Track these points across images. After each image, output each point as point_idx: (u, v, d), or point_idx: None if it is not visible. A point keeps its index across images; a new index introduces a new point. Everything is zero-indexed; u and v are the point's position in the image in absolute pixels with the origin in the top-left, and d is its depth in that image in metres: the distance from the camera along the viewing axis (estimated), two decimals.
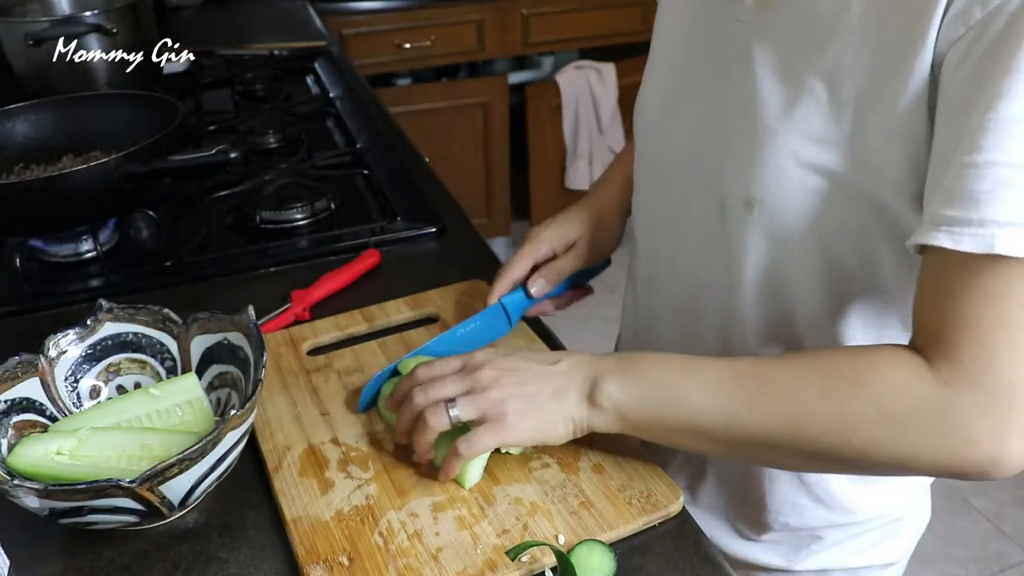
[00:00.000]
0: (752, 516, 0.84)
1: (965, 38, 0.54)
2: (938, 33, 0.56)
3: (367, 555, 0.62)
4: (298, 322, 0.91)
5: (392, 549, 0.63)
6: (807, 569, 0.85)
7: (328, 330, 0.87)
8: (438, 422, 0.65)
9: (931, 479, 0.86)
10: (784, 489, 0.80)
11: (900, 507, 0.83)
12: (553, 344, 0.87)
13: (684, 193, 0.76)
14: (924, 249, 0.57)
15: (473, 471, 0.68)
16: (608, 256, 0.92)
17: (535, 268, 0.86)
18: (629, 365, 0.65)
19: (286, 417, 0.76)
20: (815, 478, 0.79)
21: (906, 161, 0.60)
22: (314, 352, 0.85)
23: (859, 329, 0.71)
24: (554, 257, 0.87)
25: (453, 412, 0.65)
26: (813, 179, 0.64)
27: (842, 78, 0.61)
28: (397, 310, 0.90)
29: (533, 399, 0.65)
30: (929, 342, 0.57)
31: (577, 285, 0.91)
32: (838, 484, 0.79)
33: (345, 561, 0.62)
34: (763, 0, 0.67)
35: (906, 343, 0.61)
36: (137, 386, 0.76)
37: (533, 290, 0.84)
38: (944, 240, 0.54)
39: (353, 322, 0.89)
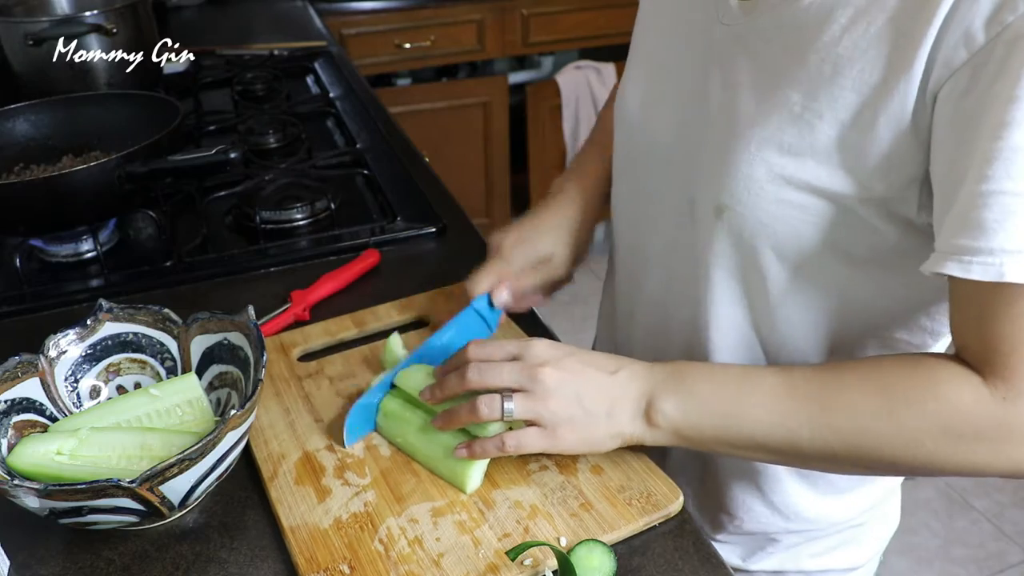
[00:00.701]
0: (708, 515, 0.84)
1: (969, 64, 0.54)
2: (931, 57, 0.55)
3: (368, 562, 0.62)
4: (298, 322, 0.91)
5: (393, 556, 0.63)
6: (762, 570, 0.85)
7: (318, 335, 0.87)
8: (491, 413, 0.64)
9: (899, 484, 0.88)
10: (740, 495, 0.80)
11: (861, 514, 0.83)
12: None
13: (658, 190, 0.76)
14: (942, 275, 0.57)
15: (475, 475, 0.67)
16: (584, 260, 0.89)
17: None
18: (682, 379, 0.65)
19: (280, 424, 0.75)
20: (772, 486, 0.79)
21: (883, 178, 0.60)
22: (304, 358, 0.85)
23: (831, 345, 0.71)
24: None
25: (508, 406, 0.64)
26: (785, 191, 0.63)
27: (819, 92, 0.61)
28: (387, 314, 0.90)
29: (589, 415, 0.64)
30: (978, 362, 0.58)
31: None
32: (796, 495, 0.79)
33: (346, 569, 0.62)
34: (748, 4, 0.66)
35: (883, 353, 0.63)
36: (137, 386, 0.76)
37: (497, 302, 0.81)
38: (954, 269, 0.55)
39: (343, 327, 0.88)
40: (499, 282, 0.81)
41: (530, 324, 0.88)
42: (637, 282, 0.83)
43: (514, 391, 0.64)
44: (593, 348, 1.03)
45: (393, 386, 0.75)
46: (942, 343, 0.72)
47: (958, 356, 0.60)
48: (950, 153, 0.56)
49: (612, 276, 0.91)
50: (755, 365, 0.67)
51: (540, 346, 0.66)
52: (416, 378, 0.73)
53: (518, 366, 0.65)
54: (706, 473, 0.82)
